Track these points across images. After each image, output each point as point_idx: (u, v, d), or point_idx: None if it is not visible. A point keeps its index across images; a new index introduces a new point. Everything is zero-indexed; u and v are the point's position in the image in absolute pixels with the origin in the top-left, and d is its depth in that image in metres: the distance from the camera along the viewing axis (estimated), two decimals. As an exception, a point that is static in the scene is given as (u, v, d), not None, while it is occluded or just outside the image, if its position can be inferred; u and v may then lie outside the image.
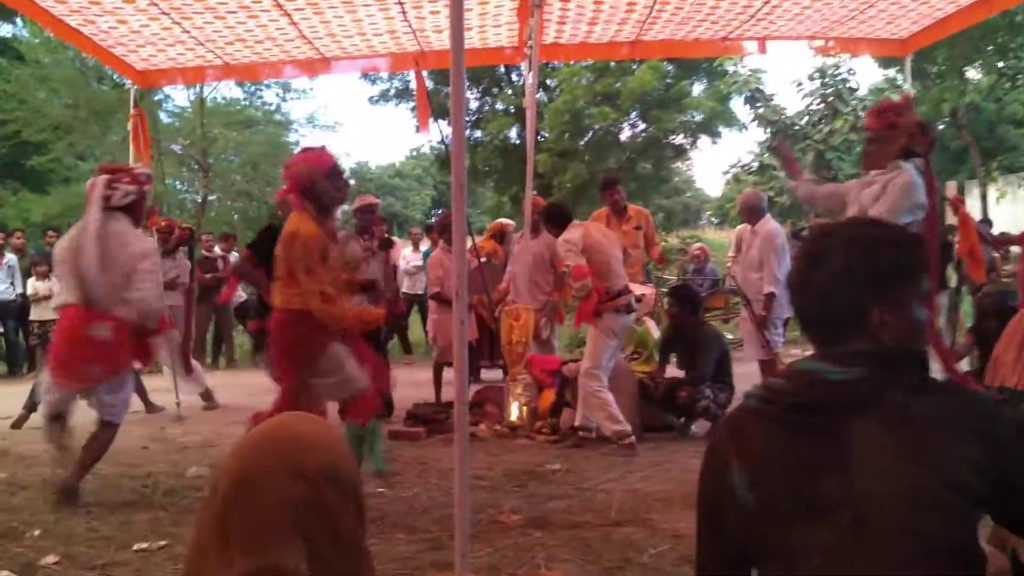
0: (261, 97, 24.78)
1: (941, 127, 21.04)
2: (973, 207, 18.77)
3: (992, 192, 18.64)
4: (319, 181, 4.43)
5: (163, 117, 21.01)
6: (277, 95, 24.57)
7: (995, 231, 9.94)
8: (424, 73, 8.73)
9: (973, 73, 19.90)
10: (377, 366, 4.90)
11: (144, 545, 3.93)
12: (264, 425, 1.28)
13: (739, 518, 1.43)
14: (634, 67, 17.93)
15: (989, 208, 17.75)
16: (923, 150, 4.43)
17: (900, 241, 1.49)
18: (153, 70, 7.75)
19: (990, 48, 18.02)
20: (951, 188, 17.60)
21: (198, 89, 21.31)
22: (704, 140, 20.20)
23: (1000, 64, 18.39)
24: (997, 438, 1.28)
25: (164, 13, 6.41)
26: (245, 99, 24.41)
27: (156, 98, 19.23)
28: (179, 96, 22.95)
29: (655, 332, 7.70)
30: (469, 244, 7.46)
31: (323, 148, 4.62)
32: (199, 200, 21.83)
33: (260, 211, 22.60)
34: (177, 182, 22.00)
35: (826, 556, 1.32)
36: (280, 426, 1.27)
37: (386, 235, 7.45)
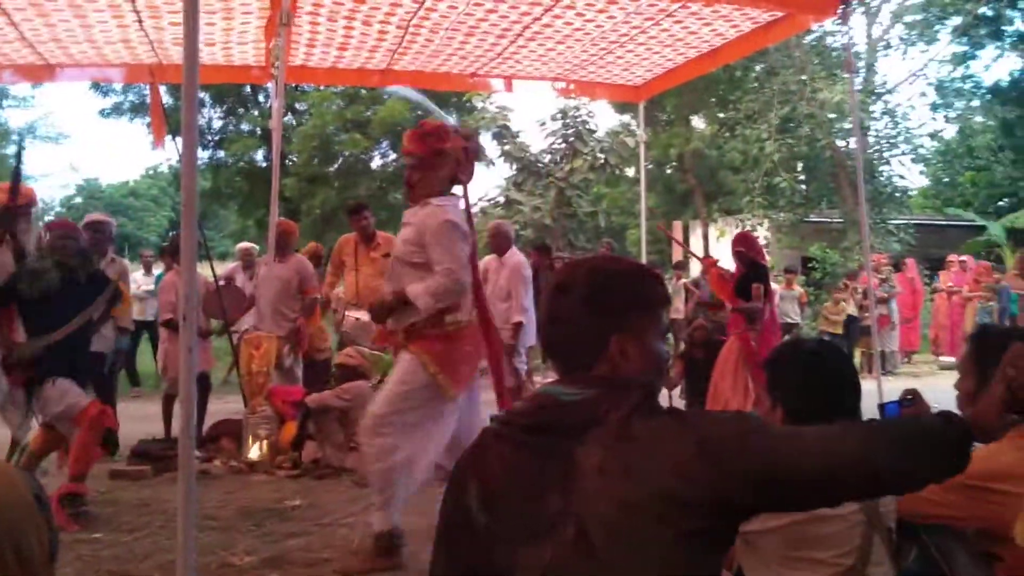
0: (-26, 103, 22.53)
1: (668, 171, 22.78)
2: (696, 245, 20.42)
3: (713, 231, 20.34)
4: None
5: None
6: (-8, 101, 22.42)
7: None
8: (162, 88, 8.25)
9: (698, 122, 21.72)
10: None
11: None
12: None
13: (472, 539, 1.47)
14: (385, 96, 17.99)
15: (711, 246, 19.33)
16: (466, 178, 4.17)
17: (639, 274, 1.57)
18: None
19: (713, 100, 19.77)
20: (677, 227, 19.09)
21: None
22: (453, 173, 20.56)
23: (721, 115, 20.20)
24: (711, 449, 1.33)
25: None
26: (-47, 103, 22.09)
27: None
28: None
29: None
30: (206, 269, 7.09)
31: None
32: None
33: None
34: None
35: (549, 573, 1.35)
36: None
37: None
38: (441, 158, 4.06)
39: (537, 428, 1.45)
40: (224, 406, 8.15)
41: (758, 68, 17.80)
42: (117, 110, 18.88)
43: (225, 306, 6.98)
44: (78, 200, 38.50)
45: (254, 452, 6.35)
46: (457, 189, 4.28)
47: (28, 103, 27.48)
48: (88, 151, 67.18)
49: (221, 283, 7.24)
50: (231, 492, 5.55)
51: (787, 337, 8.70)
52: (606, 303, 1.48)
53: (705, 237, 20.55)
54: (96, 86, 17.61)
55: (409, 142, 4.19)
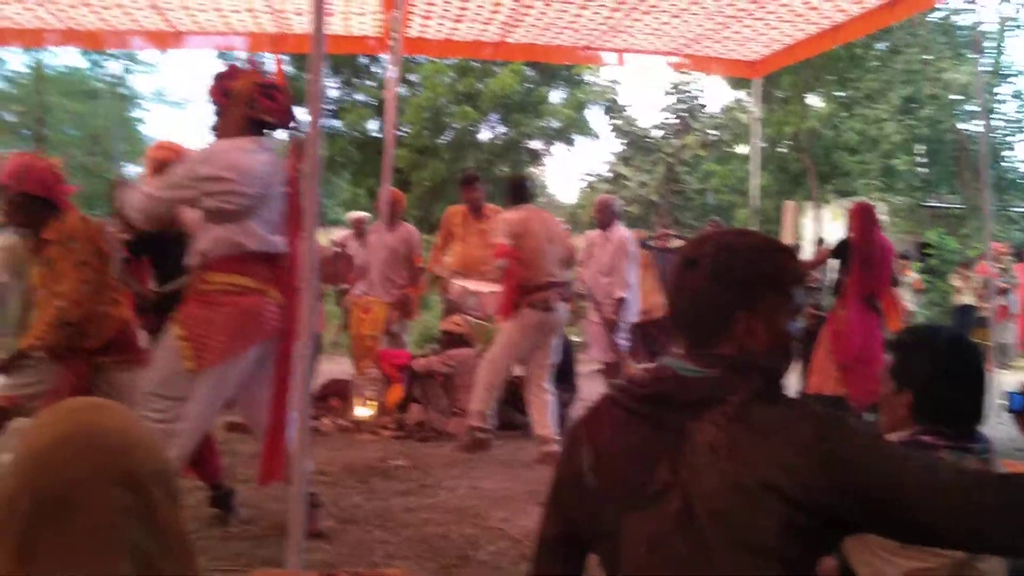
0: (105, 67, 23.58)
1: (782, 150, 22.22)
2: (808, 226, 19.90)
3: (826, 213, 19.80)
4: None
5: (-4, 82, 19.73)
6: (123, 66, 23.43)
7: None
8: (283, 56, 8.49)
9: (814, 100, 21.08)
10: None
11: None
12: (63, 422, 1.04)
13: (581, 501, 1.49)
14: (496, 69, 18.04)
15: (824, 228, 18.82)
16: (275, 119, 3.66)
17: (769, 249, 1.51)
18: (-16, 29, 7.21)
19: (831, 77, 19.15)
20: (789, 208, 18.59)
21: (36, 54, 20.05)
22: (559, 147, 20.53)
23: (839, 94, 19.55)
24: (829, 459, 1.29)
25: (0, -32, 5.99)
26: (88, 68, 23.15)
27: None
28: (14, 60, 21.53)
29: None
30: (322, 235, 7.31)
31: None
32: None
33: (99, 187, 21.46)
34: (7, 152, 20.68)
35: (652, 543, 1.35)
36: (89, 422, 1.04)
37: None
38: (229, 100, 3.63)
39: (653, 399, 1.44)
40: (334, 367, 8.43)
41: (881, 46, 17.16)
42: (239, 78, 19.49)
43: (338, 272, 7.22)
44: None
45: (361, 412, 6.58)
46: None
47: (155, 69, 28.69)
48: (209, 117, 69.40)
49: (336, 250, 7.46)
50: (338, 449, 5.76)
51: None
52: (733, 278, 1.45)
53: (818, 219, 20.02)
54: (220, 53, 18.17)
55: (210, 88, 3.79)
